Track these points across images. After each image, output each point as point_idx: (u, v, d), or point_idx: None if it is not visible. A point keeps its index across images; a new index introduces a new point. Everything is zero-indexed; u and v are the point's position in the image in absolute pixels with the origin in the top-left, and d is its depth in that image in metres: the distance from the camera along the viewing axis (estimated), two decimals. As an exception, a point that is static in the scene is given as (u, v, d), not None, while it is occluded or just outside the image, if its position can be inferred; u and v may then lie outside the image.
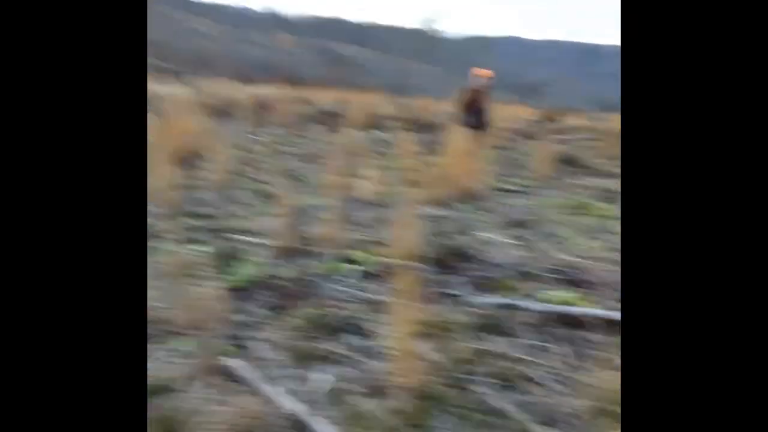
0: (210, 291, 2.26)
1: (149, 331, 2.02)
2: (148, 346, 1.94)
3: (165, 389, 1.76)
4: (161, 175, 3.87)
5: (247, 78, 17.99)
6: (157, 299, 2.25)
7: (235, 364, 1.92)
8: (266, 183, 4.68)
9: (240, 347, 2.06)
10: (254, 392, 1.77)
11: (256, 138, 7.16)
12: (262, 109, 9.52)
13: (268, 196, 4.20)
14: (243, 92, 11.85)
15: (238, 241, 3.21)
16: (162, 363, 1.91)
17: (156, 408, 1.63)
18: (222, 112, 8.97)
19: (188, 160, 4.99)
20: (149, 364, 1.78)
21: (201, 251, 2.96)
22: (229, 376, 1.86)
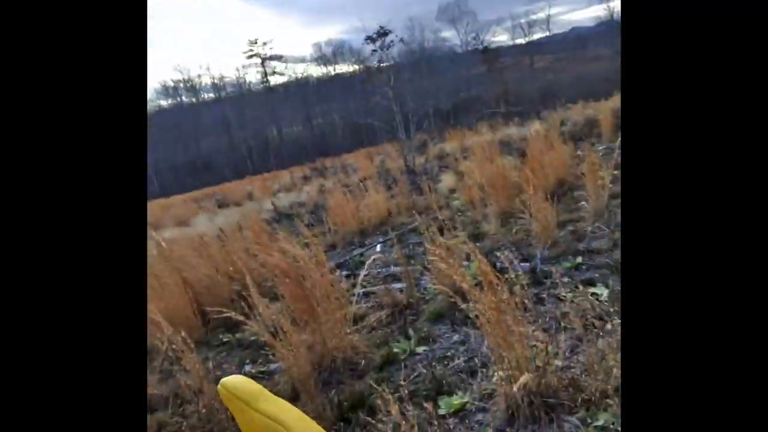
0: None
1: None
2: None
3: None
4: (543, 215, 3.65)
5: (596, 95, 16.95)
6: (562, 357, 1.91)
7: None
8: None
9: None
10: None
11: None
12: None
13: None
14: (599, 111, 11.00)
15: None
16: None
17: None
18: (582, 136, 8.47)
19: (563, 194, 4.73)
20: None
21: (599, 294, 2.67)
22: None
